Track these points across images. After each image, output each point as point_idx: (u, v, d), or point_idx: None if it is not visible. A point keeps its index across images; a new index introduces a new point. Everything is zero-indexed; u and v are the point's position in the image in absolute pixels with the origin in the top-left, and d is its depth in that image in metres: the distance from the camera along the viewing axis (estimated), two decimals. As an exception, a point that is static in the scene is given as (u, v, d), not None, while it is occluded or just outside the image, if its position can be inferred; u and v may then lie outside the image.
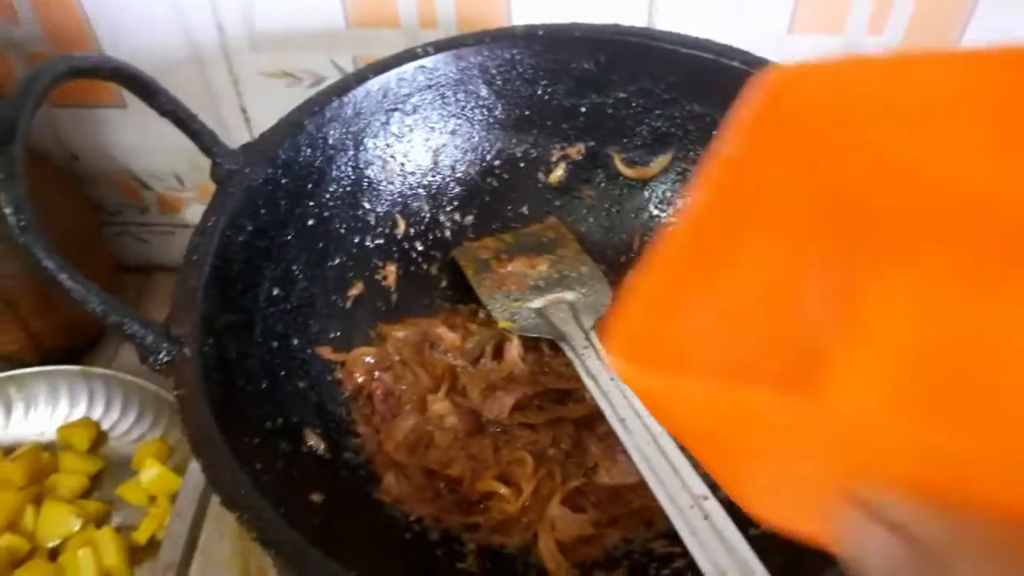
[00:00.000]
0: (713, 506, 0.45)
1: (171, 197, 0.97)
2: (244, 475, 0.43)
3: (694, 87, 0.65)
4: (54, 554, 0.79)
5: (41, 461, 0.84)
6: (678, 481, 0.46)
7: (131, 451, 0.86)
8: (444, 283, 0.68)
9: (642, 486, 0.53)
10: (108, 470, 0.86)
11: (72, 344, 0.92)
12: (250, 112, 0.86)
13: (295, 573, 0.40)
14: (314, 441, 0.54)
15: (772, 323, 0.24)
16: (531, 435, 0.57)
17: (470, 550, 0.52)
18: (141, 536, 0.80)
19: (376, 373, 0.61)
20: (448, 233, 0.69)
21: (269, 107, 0.85)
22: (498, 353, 0.61)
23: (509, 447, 0.57)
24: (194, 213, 0.99)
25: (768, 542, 0.43)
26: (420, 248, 0.68)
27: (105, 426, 0.89)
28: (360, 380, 0.60)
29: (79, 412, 0.88)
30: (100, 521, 0.82)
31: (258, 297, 0.56)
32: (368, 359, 0.61)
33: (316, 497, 0.49)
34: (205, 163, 0.57)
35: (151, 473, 0.82)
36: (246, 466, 0.44)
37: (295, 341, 0.58)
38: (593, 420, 0.57)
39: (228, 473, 0.43)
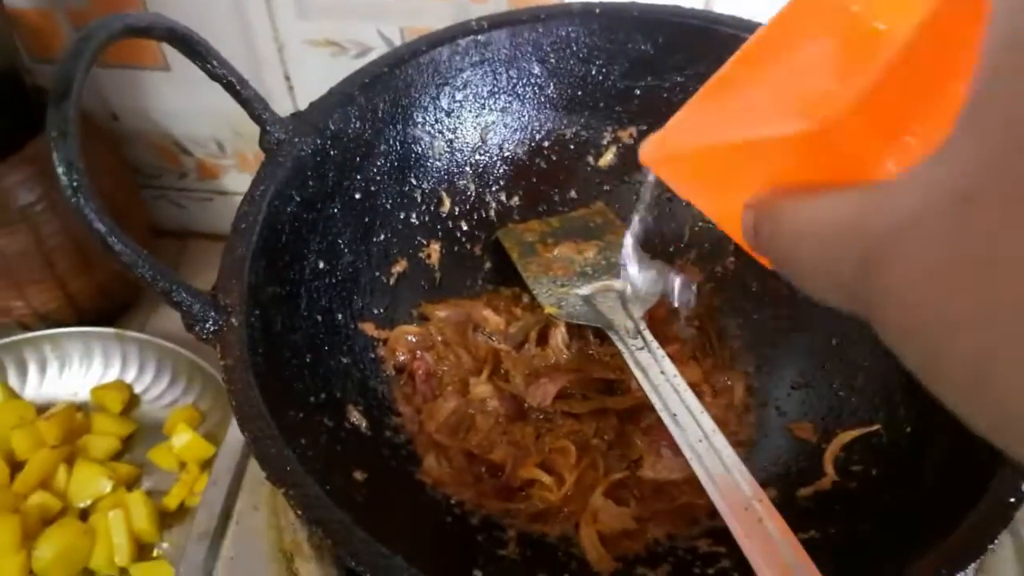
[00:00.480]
0: (767, 509, 0.44)
1: (210, 163, 0.96)
2: (290, 450, 0.42)
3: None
4: (84, 515, 0.79)
5: (74, 421, 0.84)
6: (730, 480, 0.45)
7: (163, 416, 0.86)
8: (488, 265, 0.67)
9: (687, 482, 0.52)
10: (140, 433, 0.87)
11: (108, 306, 0.92)
12: (294, 80, 0.85)
13: (340, 551, 0.39)
14: (356, 418, 0.53)
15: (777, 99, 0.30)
16: (574, 424, 0.56)
17: (511, 537, 0.51)
18: (171, 501, 0.80)
19: (418, 352, 0.60)
20: (493, 214, 0.67)
21: (313, 76, 0.84)
22: (542, 339, 0.60)
23: (552, 435, 0.56)
24: (232, 180, 0.98)
25: (811, 548, 0.42)
26: (464, 228, 0.67)
27: (138, 389, 0.89)
28: (402, 359, 0.60)
29: (113, 374, 0.89)
30: (131, 484, 0.82)
31: (304, 270, 0.55)
32: (411, 338, 0.60)
33: (359, 475, 0.48)
34: (246, 130, 0.56)
35: (183, 439, 0.82)
36: (292, 441, 0.43)
37: (339, 316, 0.57)
38: (638, 412, 0.56)
39: (274, 448, 0.42)
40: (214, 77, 0.53)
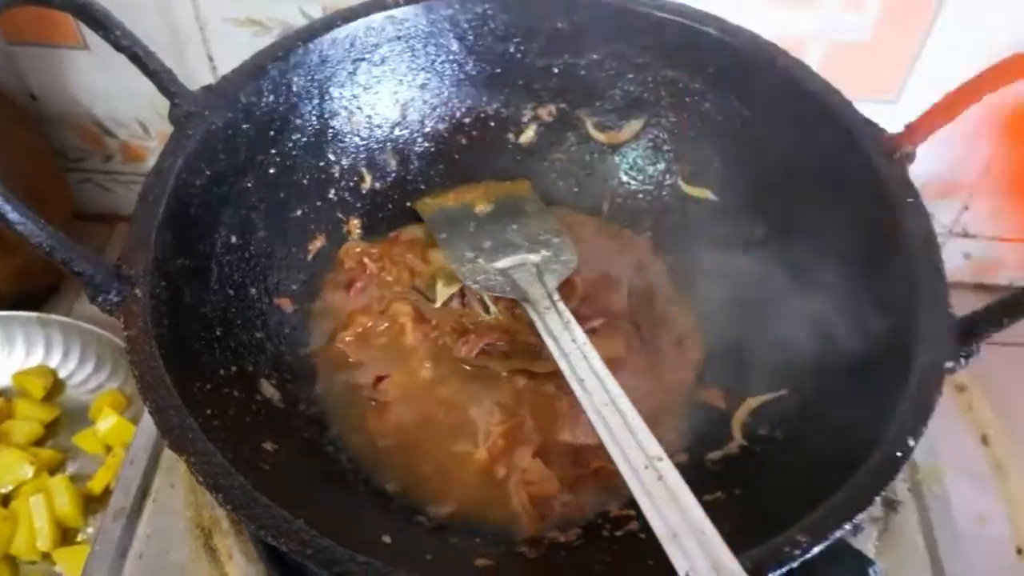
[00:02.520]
0: (667, 467, 0.45)
1: (135, 145, 0.95)
2: (193, 419, 0.42)
3: (668, 52, 0.65)
4: (6, 500, 0.78)
5: (-6, 407, 0.82)
6: (633, 442, 0.46)
7: (88, 400, 0.85)
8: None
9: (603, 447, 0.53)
10: (65, 419, 0.86)
11: (29, 291, 0.90)
12: (217, 61, 0.84)
13: (241, 517, 0.39)
14: (269, 391, 0.53)
15: None
16: (502, 387, 0.57)
17: (426, 505, 0.51)
18: (96, 485, 0.79)
19: (365, 260, 0.62)
20: (415, 190, 0.68)
21: (236, 56, 0.82)
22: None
23: (477, 396, 0.57)
24: (159, 162, 0.96)
25: (716, 508, 0.44)
26: (386, 204, 0.67)
27: (63, 374, 0.88)
28: (349, 266, 0.63)
29: (36, 359, 0.87)
30: (54, 469, 0.81)
31: (215, 243, 0.55)
32: (358, 250, 0.63)
33: (268, 446, 0.48)
34: (170, 110, 0.56)
35: (108, 423, 0.81)
36: (195, 411, 0.43)
37: (252, 291, 0.57)
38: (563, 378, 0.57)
39: (176, 416, 0.42)
40: (119, 48, 0.52)
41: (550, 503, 0.52)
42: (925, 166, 0.79)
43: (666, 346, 0.61)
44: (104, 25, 0.50)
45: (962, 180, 0.88)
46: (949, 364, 0.44)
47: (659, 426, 0.49)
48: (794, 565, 0.38)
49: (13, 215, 0.42)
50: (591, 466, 0.54)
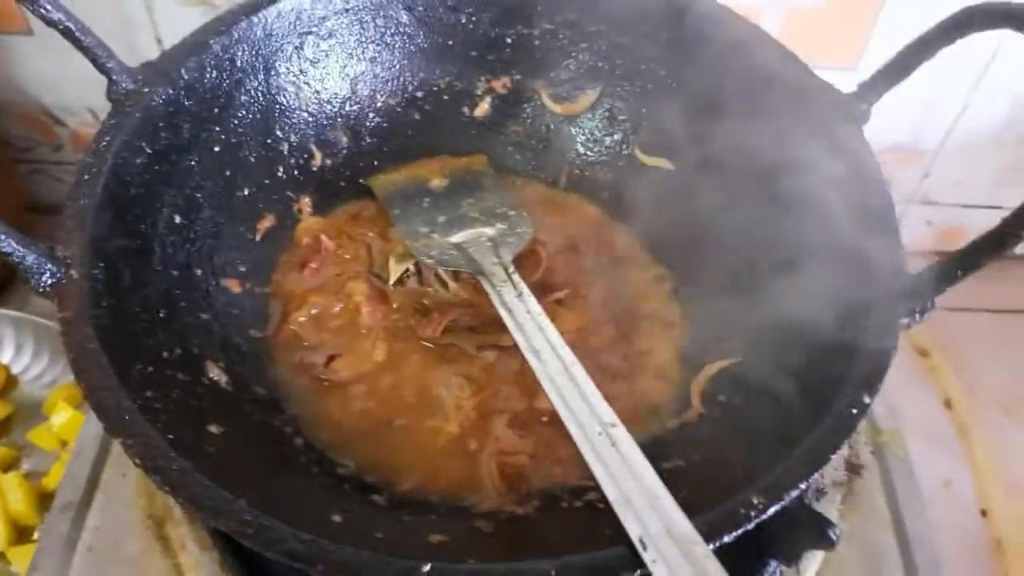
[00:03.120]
0: (621, 434, 0.44)
1: (85, 134, 0.92)
2: (130, 401, 0.41)
3: (622, 20, 0.64)
4: (-42, 500, 0.76)
5: (-56, 405, 0.80)
6: (586, 408, 0.45)
7: (43, 396, 0.83)
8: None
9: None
10: (19, 415, 0.83)
11: (-21, 285, 0.88)
12: (166, 43, 0.82)
13: (180, 499, 0.38)
14: (216, 374, 0.52)
15: None
16: (471, 363, 0.56)
17: (379, 485, 0.50)
18: (51, 481, 0.77)
19: (323, 237, 0.61)
20: (368, 167, 0.66)
21: (186, 36, 0.81)
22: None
23: (443, 373, 0.56)
24: (110, 150, 0.94)
25: (675, 476, 0.43)
26: (338, 181, 0.65)
27: (16, 370, 0.85)
28: (306, 242, 0.61)
29: (-13, 355, 0.85)
30: (8, 467, 0.79)
31: (157, 224, 0.53)
32: (316, 227, 0.62)
33: (215, 428, 0.47)
34: (121, 98, 0.54)
35: (63, 417, 0.79)
36: (134, 392, 0.42)
37: (198, 272, 0.55)
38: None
39: (113, 399, 0.41)
40: (49, 23, 0.51)
41: (522, 475, 0.52)
42: (884, 134, 0.79)
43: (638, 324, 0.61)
44: (30, -2, 0.48)
45: (921, 147, 0.88)
46: (904, 320, 0.43)
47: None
48: (749, 527, 0.37)
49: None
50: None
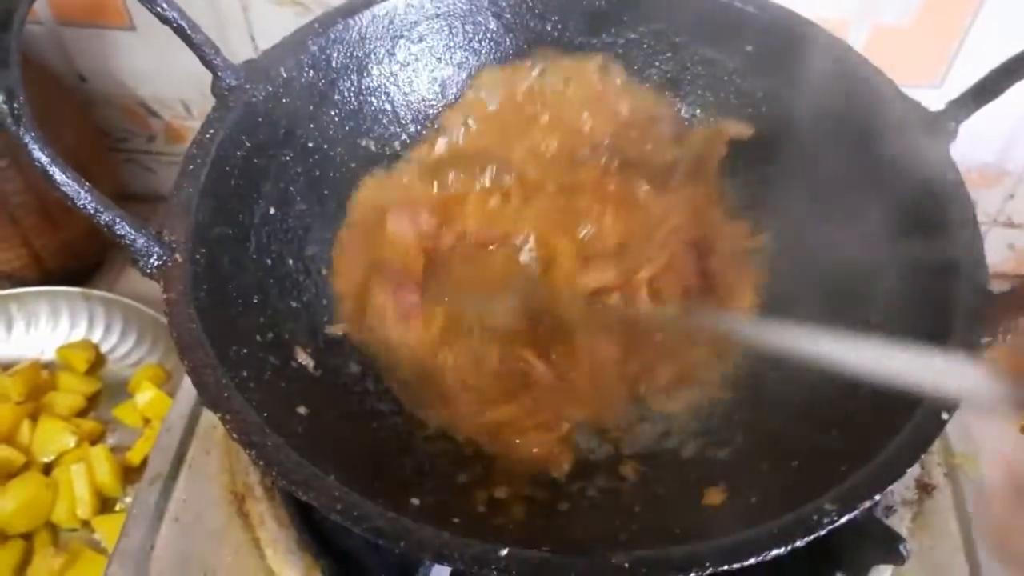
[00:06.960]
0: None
1: (178, 126, 0.96)
2: (229, 379, 0.43)
3: (707, 31, 0.64)
4: (48, 469, 0.80)
5: (39, 378, 0.85)
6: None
7: (129, 374, 0.87)
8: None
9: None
10: (105, 392, 0.87)
11: (75, 266, 0.93)
12: (259, 42, 0.85)
13: (273, 474, 0.40)
14: (304, 359, 0.54)
15: None
16: None
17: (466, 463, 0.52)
18: (135, 457, 0.81)
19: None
20: (450, 168, 0.68)
21: (278, 37, 0.84)
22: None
23: None
24: (201, 143, 0.98)
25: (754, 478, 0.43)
26: (422, 182, 0.67)
27: (104, 348, 0.89)
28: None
29: (79, 333, 0.89)
30: (95, 440, 0.83)
31: (254, 214, 0.55)
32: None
33: (302, 410, 0.49)
34: (212, 91, 0.57)
35: (147, 396, 0.82)
36: (232, 371, 0.44)
37: (290, 262, 0.58)
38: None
39: (213, 376, 0.43)
40: (164, 20, 0.53)
41: None
42: (970, 154, 0.78)
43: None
44: (150, -4, 0.51)
45: (1007, 168, 0.86)
46: (986, 339, 0.43)
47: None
48: (822, 533, 0.38)
49: (60, 176, 0.44)
50: None
